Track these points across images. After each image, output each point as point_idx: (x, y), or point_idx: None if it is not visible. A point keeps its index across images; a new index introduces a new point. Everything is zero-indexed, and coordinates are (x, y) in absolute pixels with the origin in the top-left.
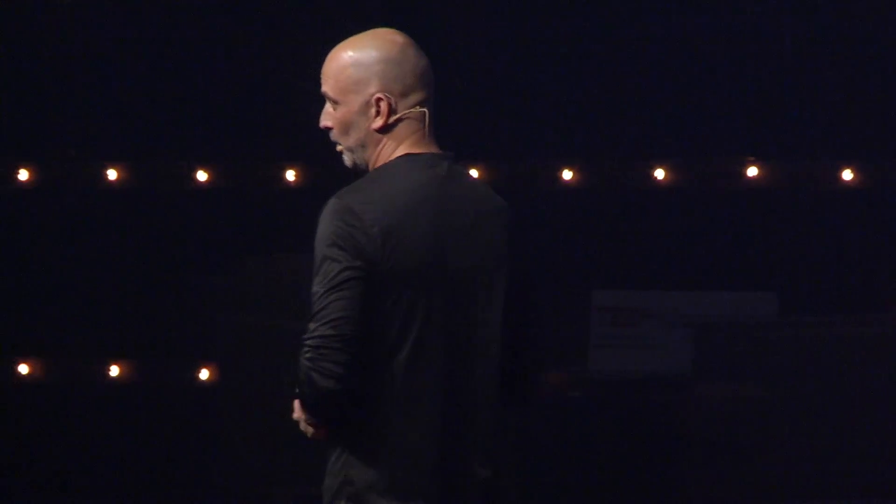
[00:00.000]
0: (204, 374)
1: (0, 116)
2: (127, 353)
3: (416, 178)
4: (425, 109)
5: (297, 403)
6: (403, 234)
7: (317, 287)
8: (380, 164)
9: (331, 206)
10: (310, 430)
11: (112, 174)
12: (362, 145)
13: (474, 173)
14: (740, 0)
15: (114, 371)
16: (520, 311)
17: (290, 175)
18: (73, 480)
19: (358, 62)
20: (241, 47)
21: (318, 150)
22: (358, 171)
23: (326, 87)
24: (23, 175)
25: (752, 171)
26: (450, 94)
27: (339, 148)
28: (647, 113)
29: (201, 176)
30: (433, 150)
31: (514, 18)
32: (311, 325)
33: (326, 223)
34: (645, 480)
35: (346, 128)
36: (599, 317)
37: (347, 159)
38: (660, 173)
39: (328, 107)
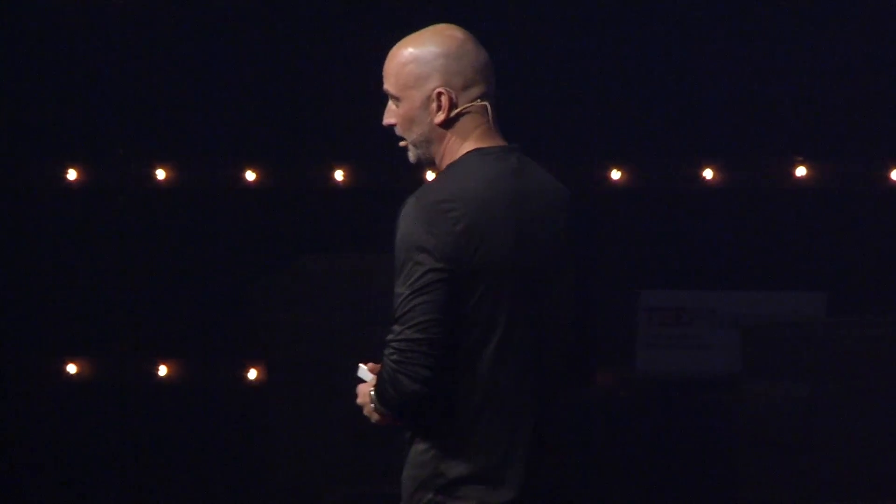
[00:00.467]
0: (252, 374)
1: (49, 117)
2: (175, 352)
3: (489, 172)
4: (486, 103)
5: (361, 388)
6: (485, 230)
7: (401, 289)
8: (448, 159)
9: (411, 206)
10: (375, 417)
11: (161, 174)
12: (426, 140)
13: None
14: (787, 3)
15: (162, 370)
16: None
17: (339, 175)
18: (121, 479)
19: (418, 58)
20: (290, 48)
21: (366, 151)
22: (422, 167)
23: (388, 85)
24: (71, 175)
25: (801, 171)
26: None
27: (402, 143)
28: (696, 113)
29: (250, 176)
30: (500, 143)
31: (568, 21)
32: (397, 328)
33: (408, 224)
34: (693, 479)
35: (409, 123)
36: (648, 317)
37: (412, 155)
38: (708, 173)
39: (391, 104)
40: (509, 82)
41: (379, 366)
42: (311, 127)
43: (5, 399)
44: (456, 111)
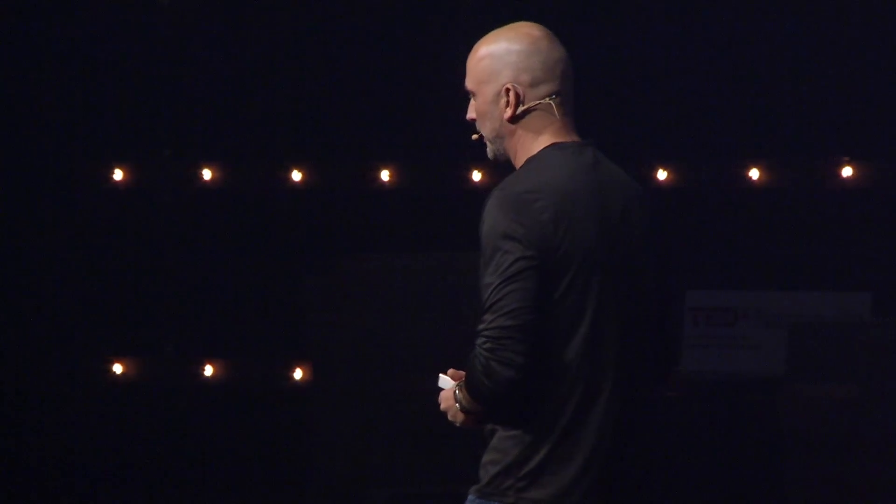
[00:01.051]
0: (298, 374)
1: (95, 117)
2: (221, 352)
3: (568, 166)
4: (554, 101)
5: (443, 394)
6: (571, 220)
7: (491, 279)
8: (523, 154)
9: (497, 197)
10: (460, 418)
11: (207, 174)
12: (498, 136)
13: None
14: (838, 4)
15: (208, 370)
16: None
17: (385, 175)
18: (166, 479)
19: (491, 54)
20: (334, 49)
21: (412, 151)
22: (498, 162)
23: (467, 82)
24: (118, 175)
25: (848, 172)
26: None
27: (474, 137)
28: (742, 113)
29: (296, 176)
30: (575, 138)
31: (619, 20)
32: (489, 317)
33: (495, 215)
34: (739, 479)
35: (483, 118)
36: (693, 317)
37: (489, 150)
38: (755, 173)
39: (472, 100)
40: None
41: (460, 373)
42: (358, 127)
43: (52, 399)
44: (523, 108)
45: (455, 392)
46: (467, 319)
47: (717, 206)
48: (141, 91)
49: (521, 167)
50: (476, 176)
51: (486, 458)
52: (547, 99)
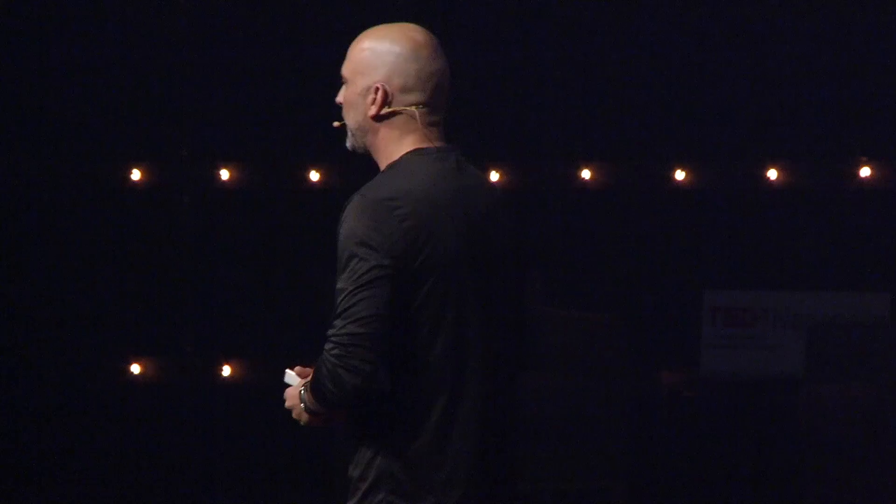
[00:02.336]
0: None
1: (113, 118)
2: (239, 352)
3: (430, 172)
4: (419, 111)
5: (289, 392)
6: (432, 228)
7: (344, 284)
8: (384, 156)
9: (357, 203)
10: (305, 417)
11: (224, 174)
12: (360, 129)
13: (586, 174)
14: (860, 5)
15: (226, 371)
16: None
17: None
18: (184, 478)
19: (373, 49)
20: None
21: None
22: (356, 153)
23: (344, 66)
24: (135, 175)
25: (866, 172)
26: (570, 96)
27: (336, 124)
28: (761, 114)
29: (314, 176)
30: (438, 144)
31: (633, 21)
32: (339, 322)
33: (354, 220)
34: (757, 479)
35: (349, 108)
36: (711, 317)
37: (348, 141)
38: (773, 174)
39: (344, 86)
40: (579, 84)
41: (307, 370)
42: None
43: (71, 399)
44: (388, 110)
45: (301, 392)
46: None
47: (735, 207)
48: (159, 92)
49: (383, 172)
50: (494, 176)
51: (352, 471)
52: (413, 108)
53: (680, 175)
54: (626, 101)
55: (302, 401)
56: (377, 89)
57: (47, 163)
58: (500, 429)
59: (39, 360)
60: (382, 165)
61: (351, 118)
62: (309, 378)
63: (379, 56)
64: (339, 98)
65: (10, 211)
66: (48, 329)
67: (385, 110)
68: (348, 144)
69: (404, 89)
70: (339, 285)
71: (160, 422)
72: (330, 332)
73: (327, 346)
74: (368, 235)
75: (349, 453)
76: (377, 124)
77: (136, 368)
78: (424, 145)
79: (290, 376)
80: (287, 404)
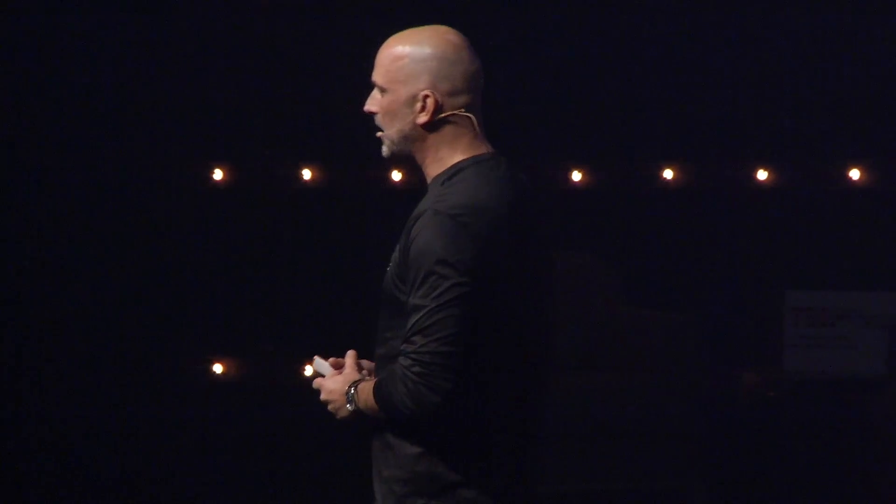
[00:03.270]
0: None
1: (195, 117)
2: (322, 352)
3: (490, 181)
4: (471, 115)
5: (324, 383)
6: (497, 242)
7: (423, 301)
8: (435, 164)
9: (433, 219)
10: (343, 413)
11: (307, 174)
12: (405, 138)
13: (668, 174)
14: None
15: (308, 371)
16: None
17: None
18: (267, 478)
19: (411, 56)
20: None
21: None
22: (393, 160)
23: (376, 75)
24: (218, 175)
25: None
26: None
27: (379, 134)
28: (843, 114)
29: (396, 176)
30: (489, 150)
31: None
32: (420, 340)
33: (428, 238)
34: (840, 480)
35: (391, 118)
36: (794, 317)
37: (386, 148)
38: (855, 174)
39: (375, 93)
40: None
41: (341, 361)
42: None
43: (152, 399)
44: (440, 116)
45: (350, 391)
46: None
47: (817, 206)
48: (241, 91)
49: (448, 185)
50: (577, 175)
51: (385, 472)
52: (462, 111)
53: (762, 175)
54: (710, 103)
55: (350, 400)
56: (426, 97)
57: (129, 162)
58: (536, 437)
59: (122, 360)
60: (432, 171)
61: (394, 127)
62: (355, 377)
63: (420, 62)
64: (373, 107)
65: (89, 214)
66: (130, 329)
67: (437, 117)
68: (385, 152)
69: (452, 93)
70: (417, 302)
71: (243, 420)
72: (409, 348)
73: (405, 362)
74: (447, 252)
75: (375, 451)
76: (425, 132)
77: (218, 368)
78: (478, 152)
79: (321, 364)
80: (323, 397)
